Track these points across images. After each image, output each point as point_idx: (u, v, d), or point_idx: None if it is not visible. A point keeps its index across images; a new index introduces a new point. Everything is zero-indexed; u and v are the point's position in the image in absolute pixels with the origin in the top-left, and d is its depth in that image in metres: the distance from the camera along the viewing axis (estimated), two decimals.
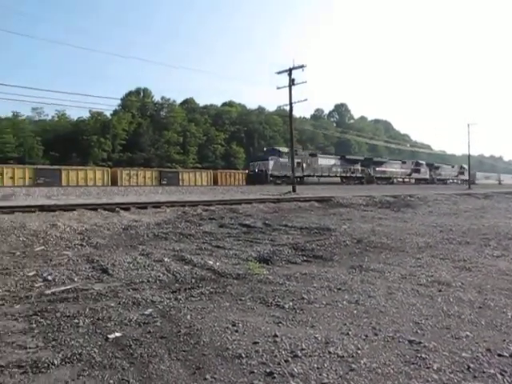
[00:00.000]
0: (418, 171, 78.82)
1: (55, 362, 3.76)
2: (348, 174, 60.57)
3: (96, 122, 76.86)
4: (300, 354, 3.90)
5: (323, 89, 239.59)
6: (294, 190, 35.07)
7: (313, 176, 54.50)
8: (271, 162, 50.21)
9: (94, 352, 4.00)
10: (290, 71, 36.88)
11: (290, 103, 37.71)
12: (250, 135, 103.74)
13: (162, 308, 5.35)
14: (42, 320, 4.92)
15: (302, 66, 36.45)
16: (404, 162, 76.81)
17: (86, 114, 78.48)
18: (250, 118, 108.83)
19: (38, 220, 12.23)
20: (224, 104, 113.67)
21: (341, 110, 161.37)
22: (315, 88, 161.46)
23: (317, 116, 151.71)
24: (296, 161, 44.33)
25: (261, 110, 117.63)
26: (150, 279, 6.91)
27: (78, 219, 13.32)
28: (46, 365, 3.72)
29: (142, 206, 17.06)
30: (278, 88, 37.95)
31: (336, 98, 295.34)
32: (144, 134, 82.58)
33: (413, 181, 76.18)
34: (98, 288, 6.36)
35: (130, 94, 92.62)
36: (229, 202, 20.73)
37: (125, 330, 4.61)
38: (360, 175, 63.00)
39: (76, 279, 6.91)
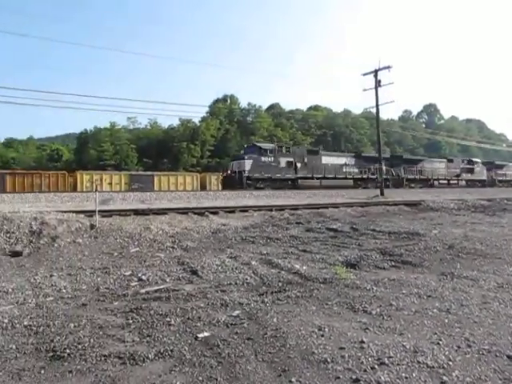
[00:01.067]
0: (470, 171, 63.73)
1: (149, 357, 3.98)
2: (366, 176, 47.79)
3: (185, 129, 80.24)
4: (387, 362, 3.75)
5: (411, 89, 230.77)
6: (381, 194, 34.02)
7: (312, 178, 42.39)
8: (248, 162, 38.70)
9: (185, 349, 4.17)
10: (375, 72, 35.86)
11: (377, 105, 36.65)
12: (336, 139, 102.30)
13: (249, 310, 5.44)
14: (137, 317, 5.23)
15: (388, 67, 35.30)
16: (451, 161, 62.48)
17: (176, 122, 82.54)
18: (336, 121, 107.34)
19: (133, 223, 13.02)
20: (310, 108, 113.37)
21: (430, 110, 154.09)
22: (403, 89, 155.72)
23: (405, 117, 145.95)
24: (286, 160, 40.37)
25: (347, 112, 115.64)
26: (238, 281, 7.06)
27: (170, 223, 13.96)
28: (141, 358, 3.95)
29: (230, 210, 17.50)
30: (365, 90, 37.01)
31: (424, 98, 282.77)
32: (231, 140, 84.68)
33: (463, 183, 61.37)
34: (188, 289, 6.62)
35: (217, 101, 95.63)
36: (316, 206, 20.58)
37: (213, 330, 4.75)
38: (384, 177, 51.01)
39: (168, 280, 7.25)
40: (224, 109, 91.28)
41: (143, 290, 6.55)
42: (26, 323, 5.07)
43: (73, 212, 13.42)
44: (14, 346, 4.33)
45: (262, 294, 6.21)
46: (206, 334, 4.61)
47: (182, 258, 9.09)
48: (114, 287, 6.87)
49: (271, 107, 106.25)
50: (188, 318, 5.14)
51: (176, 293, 6.37)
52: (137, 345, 4.32)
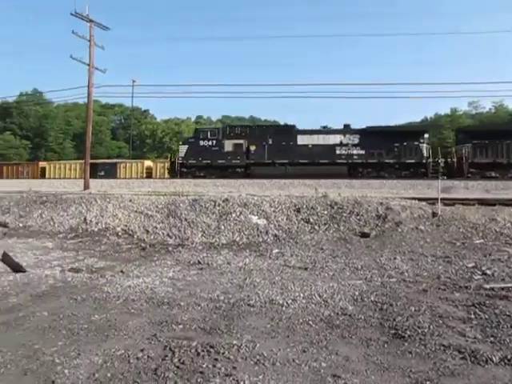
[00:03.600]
0: None
1: (494, 359, 3.72)
2: (376, 160, 29.39)
3: None
4: None
5: None
6: None
7: (272, 164, 30.36)
8: (183, 147, 32.28)
9: None
10: None
11: None
12: None
13: None
14: (480, 313, 4.96)
15: None
16: None
17: None
18: None
19: (476, 213, 12.23)
20: None
21: None
22: None
23: None
24: (233, 142, 30.83)
25: None
26: None
27: None
28: (483, 358, 3.75)
29: None
30: None
31: None
32: None
33: None
34: None
35: None
36: None
37: None
38: (411, 160, 28.76)
39: None
40: None
41: (487, 286, 6.14)
42: (372, 298, 5.61)
43: (415, 199, 13.69)
44: (362, 317, 4.88)
45: None
46: None
47: None
48: (455, 277, 6.72)
49: None
50: None
51: None
52: (479, 343, 4.12)
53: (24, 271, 7.37)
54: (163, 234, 11.43)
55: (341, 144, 29.73)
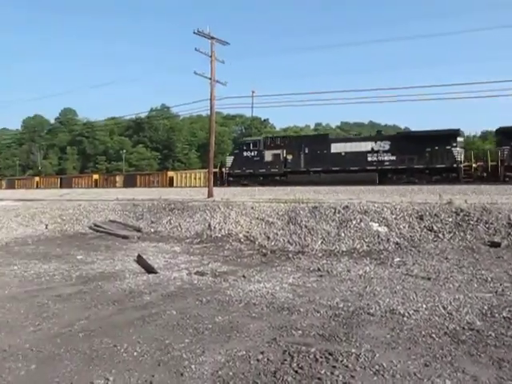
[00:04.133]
0: None
1: None
2: (406, 165, 28.53)
3: None
4: None
5: None
6: None
7: (307, 172, 31.60)
8: (229, 158, 35.85)
9: None
10: None
11: None
12: None
13: None
14: None
15: None
16: None
17: None
18: None
19: None
20: None
21: None
22: None
23: None
24: (272, 153, 33.35)
25: None
26: None
27: None
28: None
29: None
30: None
31: None
32: None
33: None
34: None
35: None
36: None
37: None
38: (442, 165, 27.36)
39: None
40: None
41: None
42: (504, 314, 5.15)
43: None
44: (492, 334, 4.51)
45: None
46: None
47: None
48: None
49: None
50: None
51: None
52: None
53: (156, 272, 8.09)
54: (283, 240, 11.67)
55: (372, 151, 29.97)
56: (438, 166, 27.68)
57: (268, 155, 33.42)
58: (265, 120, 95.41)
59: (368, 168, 29.46)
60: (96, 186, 41.83)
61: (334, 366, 3.76)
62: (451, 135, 28.14)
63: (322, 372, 3.66)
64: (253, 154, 33.95)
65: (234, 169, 34.30)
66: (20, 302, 6.09)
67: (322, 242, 11.16)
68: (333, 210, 12.44)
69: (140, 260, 9.12)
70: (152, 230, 14.08)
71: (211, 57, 20.64)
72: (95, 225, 15.12)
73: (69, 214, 16.80)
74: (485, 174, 26.65)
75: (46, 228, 15.50)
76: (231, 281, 7.41)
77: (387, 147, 29.84)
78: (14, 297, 6.44)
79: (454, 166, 27.15)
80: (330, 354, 4.02)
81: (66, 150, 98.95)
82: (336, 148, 31.32)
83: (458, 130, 28.65)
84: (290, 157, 32.83)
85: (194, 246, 11.85)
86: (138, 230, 14.24)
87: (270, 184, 30.95)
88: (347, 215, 12.07)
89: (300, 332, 4.72)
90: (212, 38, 20.56)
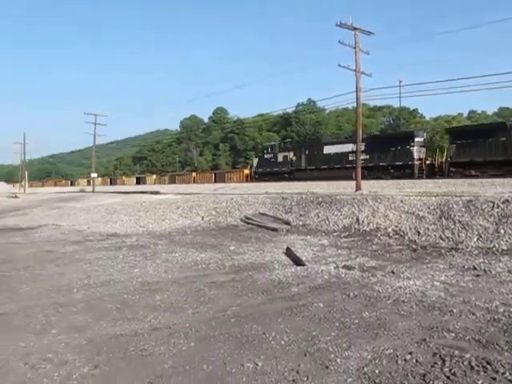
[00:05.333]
0: None
1: None
2: (376, 163, 33.21)
3: None
4: None
5: None
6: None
7: (305, 170, 39.04)
8: (255, 160, 46.95)
9: None
10: None
11: None
12: None
13: None
14: None
15: None
16: None
17: None
18: None
19: None
20: None
21: None
22: None
23: None
24: (283, 155, 41.24)
25: None
26: None
27: None
28: None
29: None
30: None
31: None
32: None
33: None
34: None
35: None
36: None
37: None
38: (400, 162, 31.75)
39: None
40: None
41: None
42: None
43: None
44: None
45: None
46: None
47: None
48: None
49: None
50: None
51: None
52: None
53: (303, 265, 8.27)
54: (435, 236, 10.93)
55: (352, 151, 33.02)
56: (397, 163, 31.95)
57: (280, 157, 41.67)
58: (413, 110, 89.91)
59: (347, 166, 33.82)
60: (247, 181, 44.60)
61: (494, 378, 3.43)
62: (409, 136, 32.92)
63: (479, 382, 3.38)
64: (270, 156, 42.81)
65: (258, 168, 44.25)
66: (181, 287, 6.77)
67: (477, 239, 10.19)
68: (491, 205, 11.26)
69: (289, 252, 9.41)
70: (300, 223, 14.36)
71: (355, 48, 20.21)
72: (246, 217, 15.98)
73: (222, 207, 18.02)
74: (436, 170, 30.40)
75: (202, 219, 16.85)
76: (379, 276, 7.23)
77: (363, 148, 32.06)
78: (175, 281, 7.19)
79: (410, 163, 31.19)
80: (487, 362, 3.68)
81: (218, 147, 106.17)
82: (327, 149, 38.09)
83: (413, 132, 34.72)
84: (294, 158, 40.41)
85: (341, 239, 11.79)
86: (287, 222, 14.65)
87: (282, 180, 37.30)
88: (507, 210, 10.82)
89: (453, 334, 4.41)
90: (355, 28, 20.11)
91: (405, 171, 31.01)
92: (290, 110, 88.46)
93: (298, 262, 8.51)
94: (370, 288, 6.43)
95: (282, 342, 4.33)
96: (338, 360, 3.85)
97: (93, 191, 41.80)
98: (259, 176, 42.75)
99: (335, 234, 12.60)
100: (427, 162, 31.46)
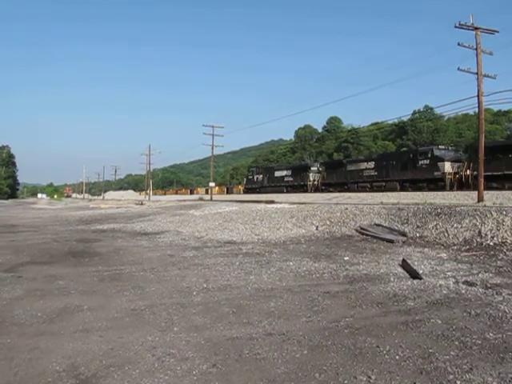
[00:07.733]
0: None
1: None
2: (296, 183, 54.50)
3: None
4: None
5: None
6: None
7: (266, 187, 58.31)
8: (245, 180, 71.19)
9: None
10: None
11: None
12: None
13: None
14: None
15: None
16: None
17: None
18: None
19: None
20: None
21: None
22: None
23: None
24: (256, 176, 62.14)
25: None
26: None
27: None
28: None
29: None
30: None
31: None
32: None
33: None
34: None
35: None
36: None
37: None
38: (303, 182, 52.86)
39: None
40: None
41: None
42: None
43: None
44: None
45: None
46: None
47: None
48: None
49: None
50: None
51: None
52: None
53: (420, 278, 7.90)
54: None
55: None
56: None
57: (256, 177, 61.76)
58: None
59: (282, 184, 56.33)
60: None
61: None
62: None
63: None
64: (251, 176, 63.59)
65: (246, 185, 65.09)
66: (295, 295, 6.89)
67: None
68: None
69: (405, 264, 9.06)
70: (417, 235, 13.69)
71: (476, 49, 18.82)
72: (361, 228, 15.65)
73: (336, 216, 17.84)
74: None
75: (316, 229, 16.84)
76: (505, 295, 6.64)
77: (289, 173, 56.35)
78: (289, 289, 7.33)
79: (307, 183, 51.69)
80: None
81: (332, 156, 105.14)
82: (277, 174, 58.15)
83: (313, 163, 57.69)
84: (266, 178, 59.63)
85: (461, 253, 11.00)
86: (403, 234, 14.06)
87: (254, 193, 56.55)
88: None
89: None
90: (476, 28, 18.75)
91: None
92: (405, 118, 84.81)
93: (414, 274, 8.15)
94: (494, 307, 5.95)
95: (397, 357, 4.22)
96: (458, 382, 3.65)
97: (210, 199, 44.10)
98: (248, 190, 62.70)
99: (455, 247, 11.78)
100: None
